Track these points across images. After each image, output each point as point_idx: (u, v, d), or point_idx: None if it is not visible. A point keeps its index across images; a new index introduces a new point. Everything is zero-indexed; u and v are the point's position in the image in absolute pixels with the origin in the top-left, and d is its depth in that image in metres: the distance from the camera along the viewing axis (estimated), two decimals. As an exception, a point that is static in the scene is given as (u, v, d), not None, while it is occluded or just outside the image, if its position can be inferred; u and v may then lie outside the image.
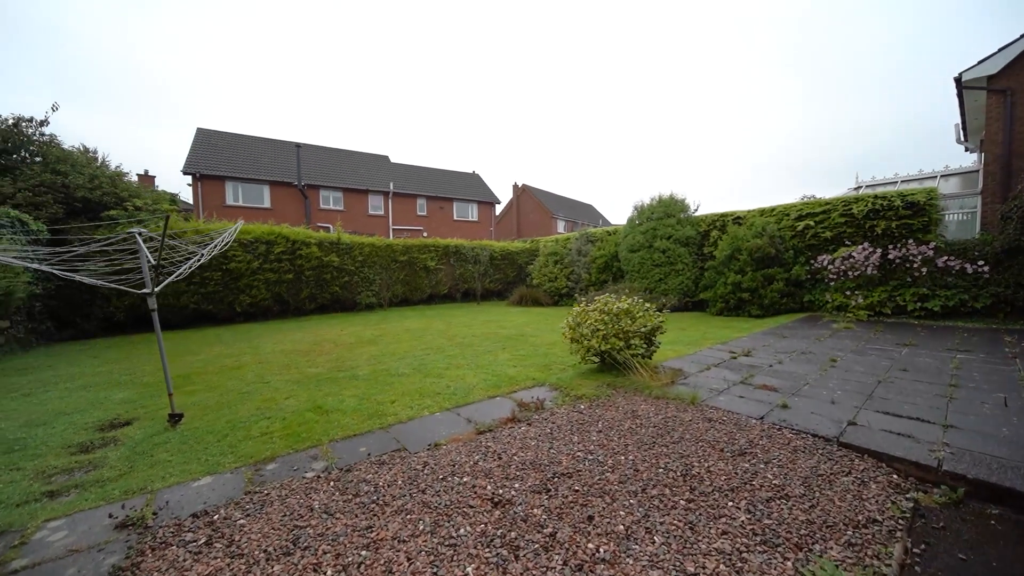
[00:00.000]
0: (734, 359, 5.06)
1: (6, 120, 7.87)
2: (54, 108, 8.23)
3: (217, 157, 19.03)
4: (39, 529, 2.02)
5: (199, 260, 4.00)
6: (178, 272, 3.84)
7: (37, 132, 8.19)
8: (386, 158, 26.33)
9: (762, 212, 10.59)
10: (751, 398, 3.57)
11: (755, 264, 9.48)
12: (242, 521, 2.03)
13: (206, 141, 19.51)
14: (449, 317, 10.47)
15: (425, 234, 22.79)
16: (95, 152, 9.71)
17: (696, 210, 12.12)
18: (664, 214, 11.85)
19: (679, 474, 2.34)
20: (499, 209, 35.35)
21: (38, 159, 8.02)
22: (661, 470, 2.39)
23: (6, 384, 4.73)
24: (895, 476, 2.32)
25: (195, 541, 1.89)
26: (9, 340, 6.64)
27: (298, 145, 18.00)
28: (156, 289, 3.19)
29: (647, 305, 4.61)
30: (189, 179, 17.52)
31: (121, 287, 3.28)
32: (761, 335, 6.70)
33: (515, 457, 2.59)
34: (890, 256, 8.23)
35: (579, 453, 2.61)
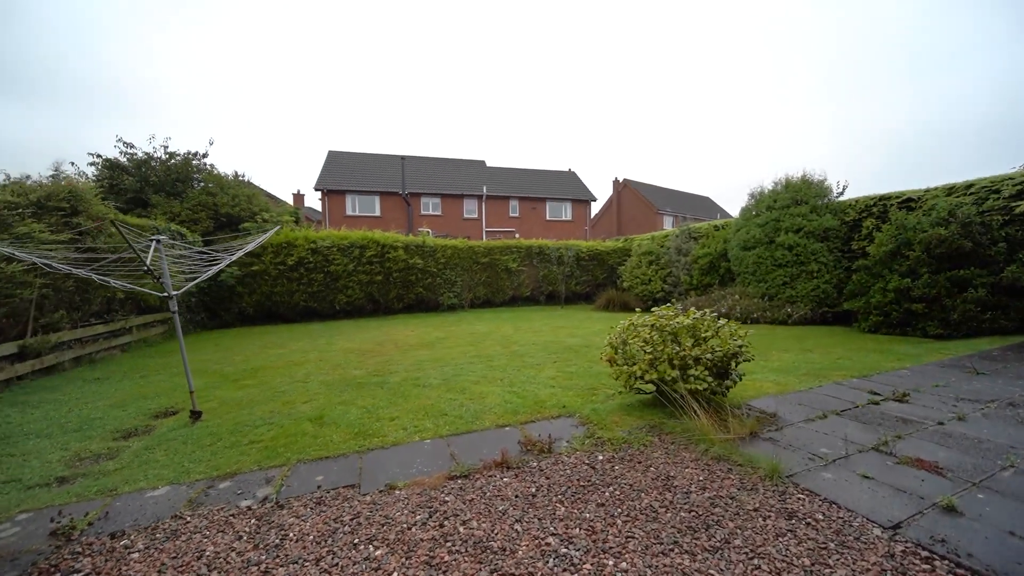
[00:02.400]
0: (875, 405, 3.43)
1: (183, 155, 10.18)
2: (211, 143, 10.48)
3: (340, 174, 22.16)
4: (4, 521, 2.12)
5: (218, 267, 4.24)
6: (200, 278, 4.10)
7: (200, 162, 10.42)
8: (482, 163, 27.25)
9: (951, 190, 7.55)
10: (885, 482, 2.21)
11: (935, 263, 6.76)
12: (136, 555, 1.82)
13: (333, 161, 22.96)
14: (522, 321, 9.99)
15: (517, 235, 22.80)
16: (243, 175, 11.95)
17: (841, 193, 9.36)
18: (792, 201, 9.43)
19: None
20: (597, 207, 33.71)
21: (201, 184, 10.14)
22: (661, 604, 1.46)
23: (139, 366, 5.83)
24: None
25: (78, 572, 1.72)
26: (169, 328, 8.39)
27: (403, 157, 19.84)
28: (178, 293, 3.41)
29: (721, 321, 3.38)
30: (319, 194, 20.81)
31: (146, 290, 3.59)
32: (935, 368, 4.58)
33: (462, 528, 1.92)
34: None
35: (550, 541, 1.82)
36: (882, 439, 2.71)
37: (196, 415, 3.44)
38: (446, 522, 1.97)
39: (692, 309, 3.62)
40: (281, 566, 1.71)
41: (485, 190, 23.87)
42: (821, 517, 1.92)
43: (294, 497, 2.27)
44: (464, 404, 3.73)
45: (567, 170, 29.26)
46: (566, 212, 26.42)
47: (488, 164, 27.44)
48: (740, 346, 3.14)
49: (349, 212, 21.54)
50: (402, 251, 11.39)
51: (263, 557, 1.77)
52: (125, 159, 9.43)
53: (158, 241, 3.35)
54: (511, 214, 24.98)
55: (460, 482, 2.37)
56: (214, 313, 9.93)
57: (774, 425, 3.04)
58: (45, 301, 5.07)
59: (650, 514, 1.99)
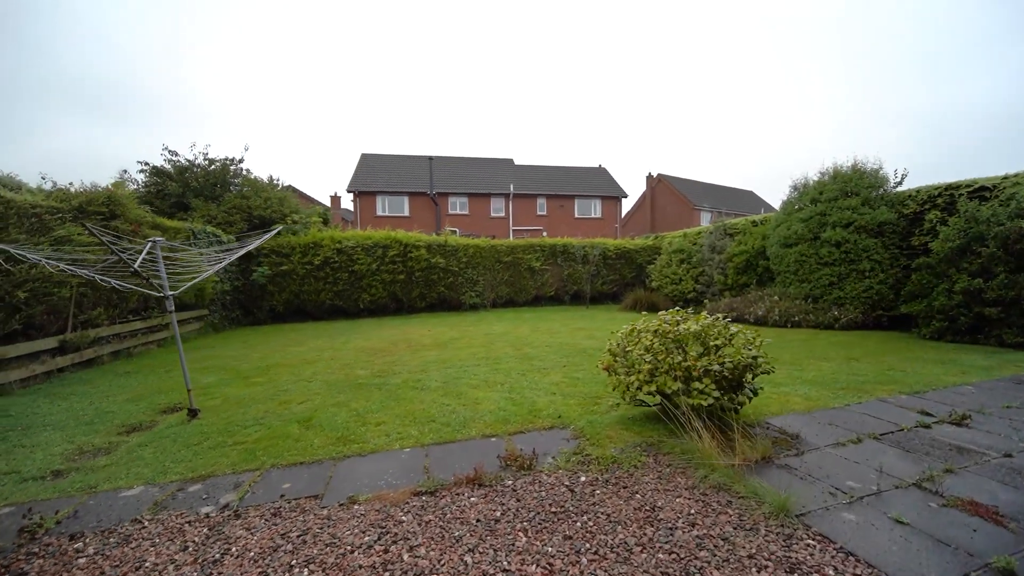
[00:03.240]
0: (924, 428, 2.93)
1: (221, 161, 10.79)
2: (246, 148, 11.06)
3: (371, 176, 22.80)
4: (-14, 515, 2.19)
5: (214, 268, 4.30)
6: (196, 279, 4.18)
7: (237, 167, 10.99)
8: (510, 161, 27.05)
9: (1037, 176, 6.50)
10: (925, 529, 1.81)
11: (1013, 260, 5.84)
12: (83, 560, 1.80)
13: (366, 163, 23.69)
14: (542, 321, 9.73)
15: (545, 233, 22.42)
16: (278, 179, 12.50)
17: (899, 183, 8.36)
18: (840, 192, 8.55)
19: None
20: (629, 204, 32.55)
21: (236, 188, 10.69)
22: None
23: (169, 361, 6.15)
24: None
25: (25, 575, 1.72)
26: (205, 324, 8.89)
27: (430, 158, 20.11)
28: (174, 293, 3.49)
29: (734, 328, 3.00)
30: (351, 196, 21.57)
31: (144, 290, 3.70)
32: (1008, 384, 3.90)
33: (407, 555, 1.75)
34: None
35: (498, 577, 1.61)
36: (927, 473, 2.27)
37: (193, 413, 3.51)
38: (392, 547, 1.81)
39: (703, 314, 3.25)
40: (210, 586, 1.62)
41: (512, 188, 23.71)
42: (832, 574, 1.58)
43: (254, 506, 2.20)
44: (456, 410, 3.57)
45: (597, 166, 28.46)
46: (595, 209, 25.72)
47: (517, 162, 27.30)
48: (754, 357, 2.75)
49: (379, 213, 22.14)
50: (424, 250, 11.45)
51: (196, 573, 1.69)
52: (170, 166, 10.12)
53: (154, 242, 3.44)
54: (539, 212, 24.65)
55: (424, 499, 2.21)
56: (248, 311, 10.43)
57: (794, 449, 2.64)
58: (84, 299, 5.45)
59: (622, 553, 1.73)
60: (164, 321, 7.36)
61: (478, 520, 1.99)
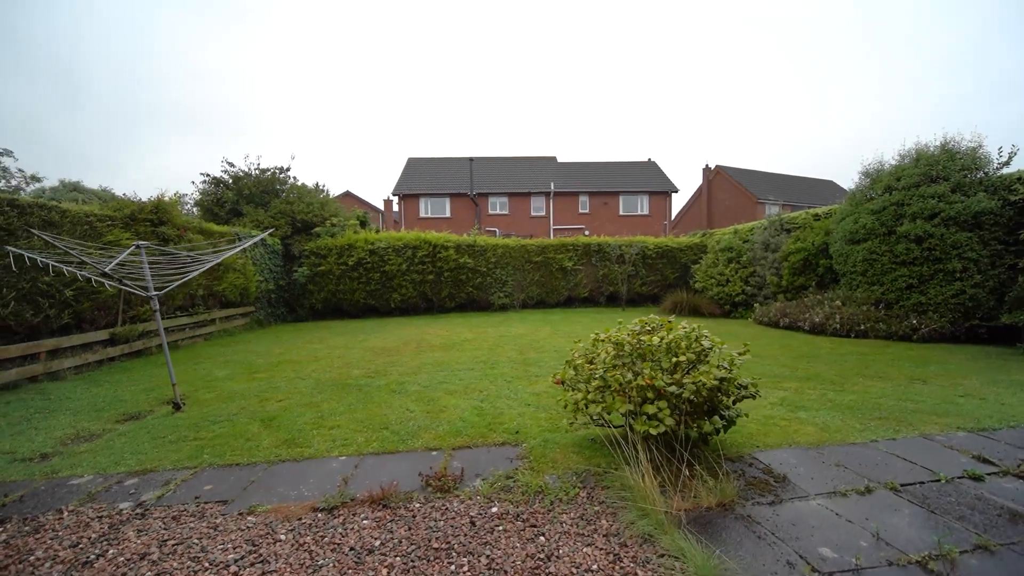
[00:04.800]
0: (973, 480, 2.23)
1: (271, 170, 11.76)
2: (292, 158, 11.96)
3: (415, 179, 23.57)
4: (-40, 492, 2.45)
5: (198, 269, 4.52)
6: (181, 280, 4.42)
7: (285, 175, 11.91)
8: (552, 159, 26.44)
9: None
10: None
11: None
12: (-9, 548, 1.90)
13: (412, 166, 24.56)
14: (567, 324, 9.31)
15: (587, 232, 21.58)
16: (323, 185, 13.36)
17: (1006, 163, 6.80)
18: (924, 178, 7.16)
19: None
20: (683, 199, 30.37)
21: (283, 195, 11.57)
22: None
23: (204, 354, 6.74)
24: None
25: (-62, 557, 1.85)
26: (251, 321, 9.69)
27: (471, 159, 20.30)
28: (159, 293, 3.73)
29: (707, 342, 2.50)
30: (396, 199, 22.48)
31: (134, 289, 3.97)
32: None
33: (253, 582, 1.62)
34: None
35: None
36: (944, 548, 1.67)
37: (176, 407, 3.73)
38: (247, 570, 1.69)
39: (683, 324, 2.77)
40: (58, 591, 1.61)
41: (553, 187, 23.18)
42: None
43: (164, 507, 2.22)
44: (415, 418, 3.43)
45: (646, 160, 26.86)
46: (642, 206, 24.27)
47: (560, 160, 26.67)
48: (721, 379, 2.25)
49: (422, 214, 22.88)
50: (452, 251, 11.54)
51: (60, 573, 1.70)
52: (227, 176, 11.23)
53: (137, 246, 3.71)
54: (580, 210, 23.85)
55: (318, 516, 2.08)
56: (292, 308, 11.24)
57: (771, 495, 2.12)
58: (132, 296, 6.14)
59: (479, 612, 1.44)
60: (210, 317, 8.11)
61: (352, 548, 1.81)
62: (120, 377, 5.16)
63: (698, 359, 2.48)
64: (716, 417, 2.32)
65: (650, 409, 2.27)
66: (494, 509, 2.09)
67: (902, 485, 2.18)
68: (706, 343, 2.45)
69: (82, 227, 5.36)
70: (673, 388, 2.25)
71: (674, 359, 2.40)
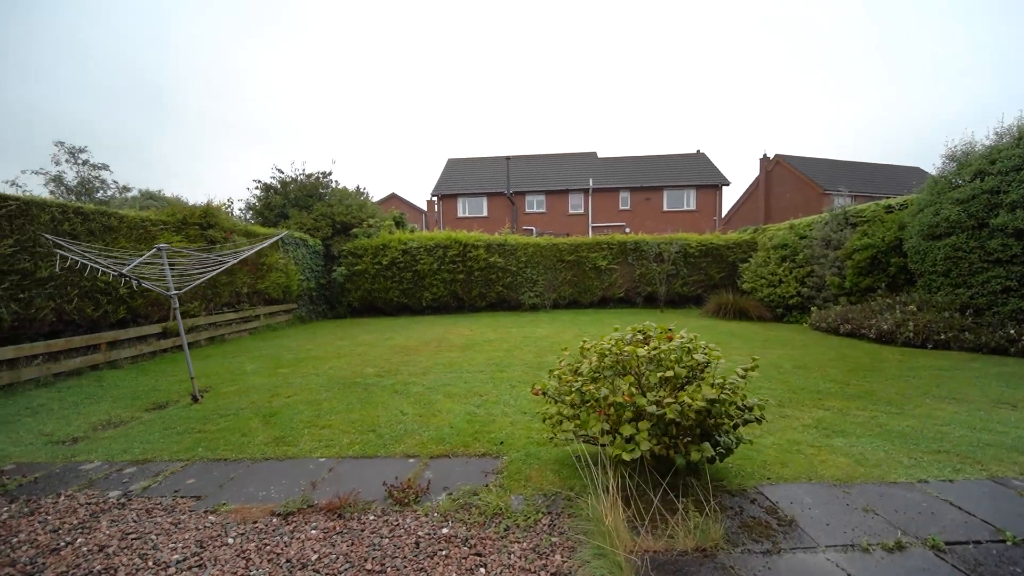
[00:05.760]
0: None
1: (315, 175, 12.47)
2: (333, 162, 12.67)
3: (454, 179, 23.90)
4: (-6, 470, 2.73)
5: (217, 269, 4.74)
6: (199, 280, 4.66)
7: (327, 179, 12.57)
8: (592, 154, 25.54)
9: None
10: None
11: None
12: (-10, 527, 2.08)
13: (451, 167, 24.96)
14: (596, 326, 8.92)
15: (627, 230, 20.60)
16: (364, 188, 13.94)
17: None
18: (1026, 159, 5.99)
19: None
20: (736, 193, 28.07)
21: (326, 198, 12.21)
22: None
23: (245, 348, 7.24)
24: None
25: (-52, 531, 2.05)
26: (293, 317, 10.32)
27: (507, 158, 20.20)
28: (179, 292, 3.98)
29: (700, 356, 2.17)
30: (435, 199, 22.95)
31: (155, 287, 4.24)
32: None
33: (181, 588, 1.60)
34: None
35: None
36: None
37: (195, 399, 3.97)
38: (183, 574, 1.68)
39: (682, 333, 2.44)
40: (16, 578, 1.70)
41: (591, 183, 22.42)
42: None
43: (145, 498, 2.32)
44: (404, 421, 3.37)
45: (694, 152, 25.16)
46: (688, 201, 22.74)
47: (600, 155, 25.78)
48: (711, 400, 1.92)
49: (460, 214, 23.19)
50: (482, 250, 11.53)
51: (31, 555, 1.79)
52: (276, 182, 12.06)
53: (158, 248, 3.98)
54: (621, 207, 22.86)
55: (272, 521, 2.05)
56: (331, 305, 11.83)
57: (771, 541, 1.77)
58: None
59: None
60: (254, 313, 8.72)
61: (288, 561, 1.75)
62: (166, 368, 5.65)
63: (691, 375, 2.16)
64: (707, 444, 1.99)
65: (627, 430, 2.00)
66: (445, 530, 1.94)
67: (948, 544, 1.73)
68: (700, 357, 2.12)
69: (137, 231, 5.93)
70: (653, 408, 1.96)
71: (661, 374, 2.11)
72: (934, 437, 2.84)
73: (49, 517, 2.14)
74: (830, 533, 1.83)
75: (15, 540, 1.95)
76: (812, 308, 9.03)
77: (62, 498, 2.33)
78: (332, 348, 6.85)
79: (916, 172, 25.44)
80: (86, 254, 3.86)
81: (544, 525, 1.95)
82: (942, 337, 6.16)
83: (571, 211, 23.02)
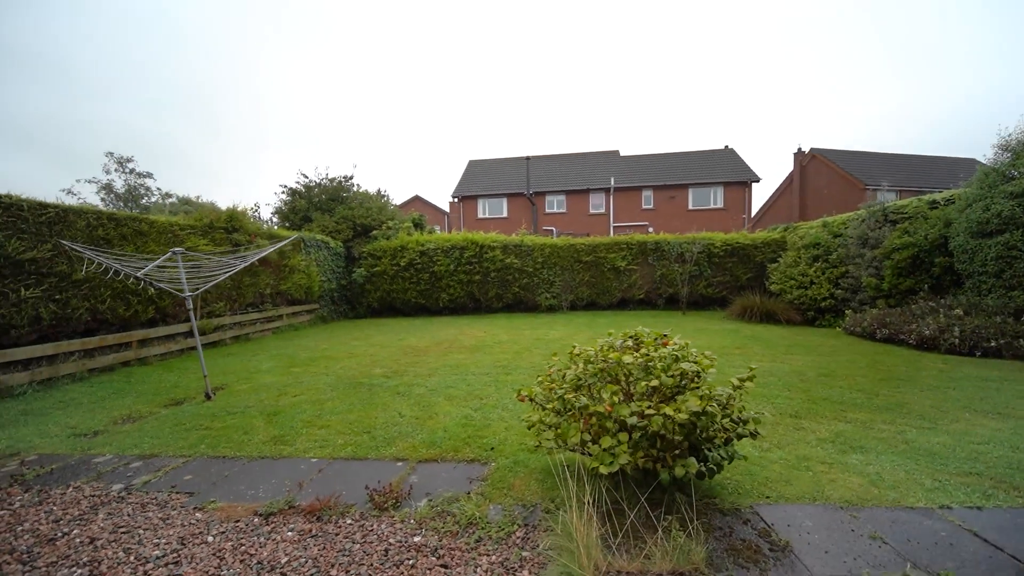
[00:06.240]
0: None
1: (337, 179, 12.85)
2: (354, 166, 12.99)
3: (474, 180, 24.00)
4: (14, 458, 2.93)
5: (227, 272, 4.89)
6: (213, 281, 4.82)
7: (349, 183, 12.93)
8: (614, 153, 24.99)
9: None
10: None
11: None
12: (5, 512, 2.22)
13: (472, 169, 25.10)
14: (614, 327, 8.70)
15: (651, 229, 20.04)
16: (385, 191, 14.25)
17: None
18: (1094, 146, 5.38)
19: None
20: (767, 190, 26.75)
21: (347, 201, 12.55)
22: None
23: (266, 347, 7.51)
24: None
25: (-34, 517, 2.20)
26: (315, 317, 10.65)
27: (527, 158, 20.08)
28: (193, 294, 4.14)
29: (688, 364, 2.03)
30: (455, 200, 23.21)
31: (170, 288, 4.43)
32: None
33: (153, 585, 1.64)
34: None
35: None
36: None
37: (207, 396, 4.14)
38: (158, 571, 1.73)
39: (676, 339, 2.31)
40: None
41: (613, 182, 21.93)
42: None
43: (143, 492, 2.42)
44: (400, 423, 3.38)
45: (723, 148, 24.16)
46: (715, 198, 21.83)
47: (623, 153, 25.24)
48: (695, 413, 1.79)
49: (480, 215, 23.29)
50: (499, 251, 11.51)
51: (28, 543, 1.90)
52: (301, 186, 12.51)
53: (173, 252, 4.17)
54: (644, 206, 22.25)
55: (253, 521, 2.09)
56: (352, 306, 12.14)
57: (759, 568, 1.64)
58: (208, 294, 7.07)
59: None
60: (277, 313, 9.04)
61: (259, 563, 1.77)
62: (190, 365, 5.94)
63: (681, 385, 2.03)
64: (692, 459, 1.86)
65: (606, 442, 1.91)
66: (417, 538, 1.91)
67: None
68: (687, 366, 1.99)
69: (166, 235, 6.27)
70: (634, 420, 1.86)
71: (646, 383, 1.99)
72: (967, 457, 2.56)
73: (54, 508, 2.26)
74: (827, 562, 1.66)
75: (19, 528, 2.07)
76: (846, 311, 8.47)
77: (70, 489, 2.46)
78: (346, 348, 7.00)
79: (967, 165, 23.47)
80: (101, 256, 4.11)
81: (517, 538, 1.88)
82: (992, 344, 5.63)
83: (592, 211, 22.66)
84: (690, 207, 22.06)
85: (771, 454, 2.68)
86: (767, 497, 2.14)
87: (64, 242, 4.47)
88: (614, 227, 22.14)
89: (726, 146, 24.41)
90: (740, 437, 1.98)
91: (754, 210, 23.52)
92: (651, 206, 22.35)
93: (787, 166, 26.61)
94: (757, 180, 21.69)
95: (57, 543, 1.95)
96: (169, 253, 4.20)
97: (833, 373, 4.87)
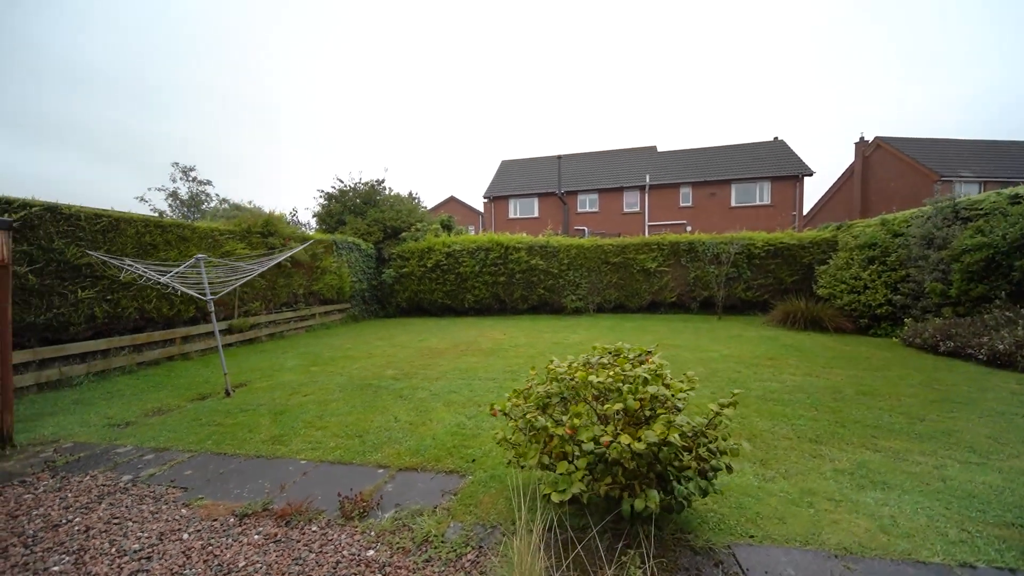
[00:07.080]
0: None
1: (370, 183, 13.35)
2: (386, 169, 13.42)
3: (506, 180, 23.94)
4: (50, 445, 3.26)
5: (246, 277, 5.14)
6: (228, 288, 5.08)
7: (380, 186, 13.39)
8: (651, 149, 23.91)
9: None
10: None
11: None
12: (29, 497, 2.47)
13: (504, 169, 25.07)
14: (640, 333, 8.38)
15: (689, 228, 19.00)
16: (416, 194, 14.61)
17: None
18: None
19: None
20: (823, 184, 24.43)
21: (378, 204, 13.00)
22: None
23: (297, 344, 7.94)
24: None
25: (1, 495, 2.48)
26: (346, 316, 11.13)
27: (559, 157, 19.70)
28: (214, 296, 4.43)
29: (654, 388, 1.87)
30: (486, 200, 23.31)
31: (193, 293, 4.72)
32: None
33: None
34: None
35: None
36: None
37: (227, 393, 4.42)
38: (130, 564, 1.84)
39: (655, 358, 2.15)
40: None
41: (648, 179, 21.02)
42: None
43: (145, 484, 2.61)
44: (392, 428, 3.43)
45: (772, 139, 22.38)
46: (762, 194, 20.27)
47: (660, 149, 24.17)
48: (656, 444, 1.64)
49: (511, 216, 23.25)
50: (524, 252, 11.45)
51: (34, 528, 2.10)
52: (336, 191, 13.12)
53: (198, 258, 4.47)
54: (682, 204, 21.14)
55: (228, 522, 2.18)
56: (383, 305, 12.57)
57: (715, 621, 1.46)
58: (245, 295, 7.58)
59: None
60: (310, 312, 9.54)
61: (219, 564, 1.84)
62: (226, 361, 6.39)
63: (652, 410, 1.87)
64: (653, 492, 1.70)
65: (562, 467, 1.80)
66: (370, 552, 1.90)
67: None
68: (652, 389, 1.83)
69: (207, 240, 6.79)
70: (591, 446, 1.74)
71: (610, 406, 1.86)
72: (1015, 504, 2.18)
73: (69, 495, 2.50)
74: (802, 621, 1.46)
75: (35, 513, 2.30)
76: (906, 320, 7.60)
77: (87, 478, 2.71)
78: (367, 348, 7.24)
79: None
80: (127, 263, 4.53)
81: (467, 561, 1.82)
82: (1084, 363, 4.80)
83: (626, 210, 21.92)
84: (732, 204, 20.71)
85: (773, 484, 2.43)
86: (751, 536, 1.93)
87: (91, 252, 4.94)
88: (649, 226, 21.29)
89: (775, 137, 22.70)
90: (716, 470, 1.79)
91: (807, 207, 21.72)
92: (689, 204, 21.24)
93: (847, 158, 24.27)
94: (810, 174, 19.94)
95: (60, 529, 2.14)
96: (193, 260, 4.53)
97: (875, 391, 4.37)
